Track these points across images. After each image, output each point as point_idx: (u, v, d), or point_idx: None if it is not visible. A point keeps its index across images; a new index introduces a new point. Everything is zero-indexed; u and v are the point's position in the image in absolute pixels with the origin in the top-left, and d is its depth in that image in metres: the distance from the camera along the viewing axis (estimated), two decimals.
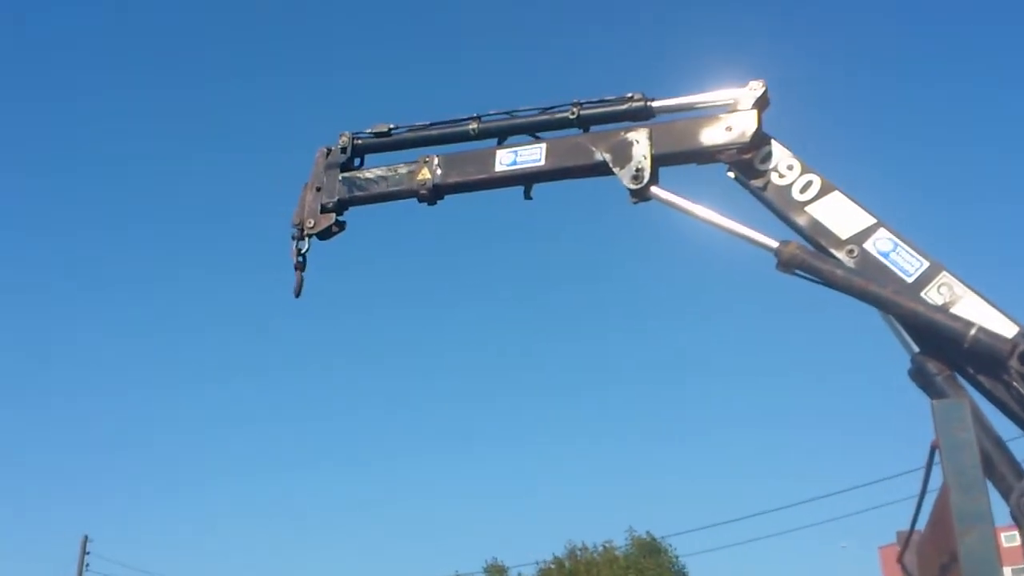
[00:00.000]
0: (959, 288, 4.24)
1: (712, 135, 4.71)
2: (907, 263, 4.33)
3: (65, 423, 69.57)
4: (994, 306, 4.19)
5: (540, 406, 71.43)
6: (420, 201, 5.35)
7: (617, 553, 38.50)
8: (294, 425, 71.68)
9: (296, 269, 5.47)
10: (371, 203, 5.54)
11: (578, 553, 38.97)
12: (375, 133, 5.58)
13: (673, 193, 4.81)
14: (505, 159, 5.15)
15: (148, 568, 54.43)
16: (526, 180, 5.19)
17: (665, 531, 39.76)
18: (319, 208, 5.49)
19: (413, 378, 78.30)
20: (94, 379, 72.14)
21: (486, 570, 40.50)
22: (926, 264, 4.31)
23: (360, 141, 5.60)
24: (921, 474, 3.89)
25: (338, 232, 5.56)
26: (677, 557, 38.84)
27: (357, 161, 5.63)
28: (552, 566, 38.94)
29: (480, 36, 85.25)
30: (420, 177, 5.29)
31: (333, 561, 61.88)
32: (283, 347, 76.20)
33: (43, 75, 76.95)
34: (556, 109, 5.18)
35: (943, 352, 4.16)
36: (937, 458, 3.36)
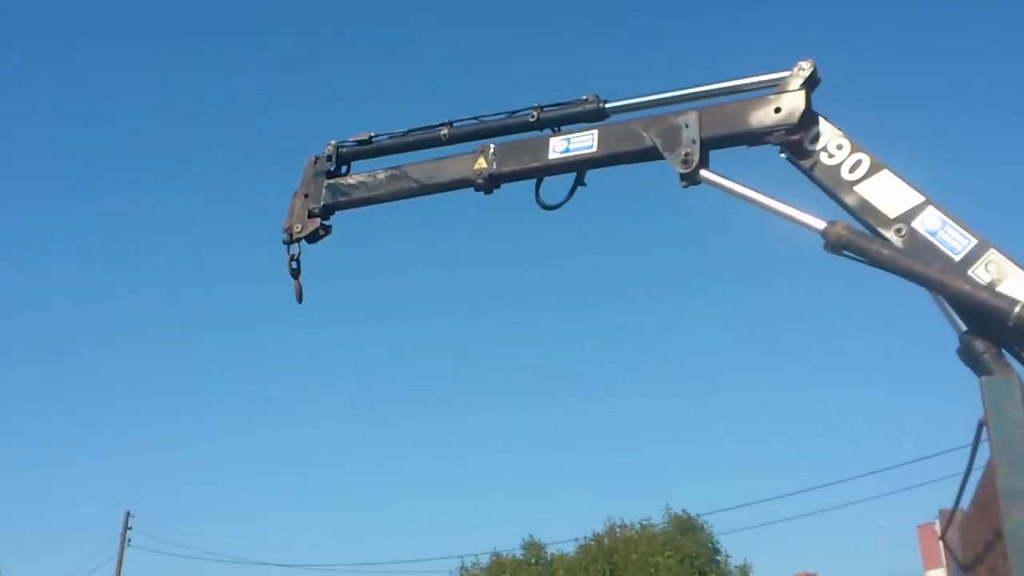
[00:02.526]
0: (1007, 265, 4.21)
1: (761, 117, 4.74)
2: (955, 241, 4.31)
3: (116, 401, 70.84)
4: None
5: (580, 382, 70.97)
6: (477, 190, 5.49)
7: (655, 531, 38.58)
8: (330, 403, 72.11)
9: (292, 277, 5.82)
10: (355, 207, 5.86)
11: (617, 530, 39.10)
12: (357, 141, 5.94)
13: (722, 176, 4.86)
14: (558, 146, 5.26)
15: (189, 543, 55.52)
16: (579, 166, 5.29)
17: (701, 509, 39.72)
18: (307, 214, 5.82)
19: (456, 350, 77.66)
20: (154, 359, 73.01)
21: (524, 547, 40.80)
22: (974, 242, 4.28)
23: (344, 149, 5.94)
24: (965, 453, 3.95)
25: (324, 236, 5.90)
26: (712, 536, 38.80)
27: (345, 168, 5.95)
28: (592, 543, 39.11)
29: (507, 32, 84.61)
30: (477, 167, 5.45)
31: (374, 538, 62.68)
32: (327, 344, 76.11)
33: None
34: (519, 113, 5.47)
35: (990, 330, 4.15)
36: (984, 435, 3.42)
